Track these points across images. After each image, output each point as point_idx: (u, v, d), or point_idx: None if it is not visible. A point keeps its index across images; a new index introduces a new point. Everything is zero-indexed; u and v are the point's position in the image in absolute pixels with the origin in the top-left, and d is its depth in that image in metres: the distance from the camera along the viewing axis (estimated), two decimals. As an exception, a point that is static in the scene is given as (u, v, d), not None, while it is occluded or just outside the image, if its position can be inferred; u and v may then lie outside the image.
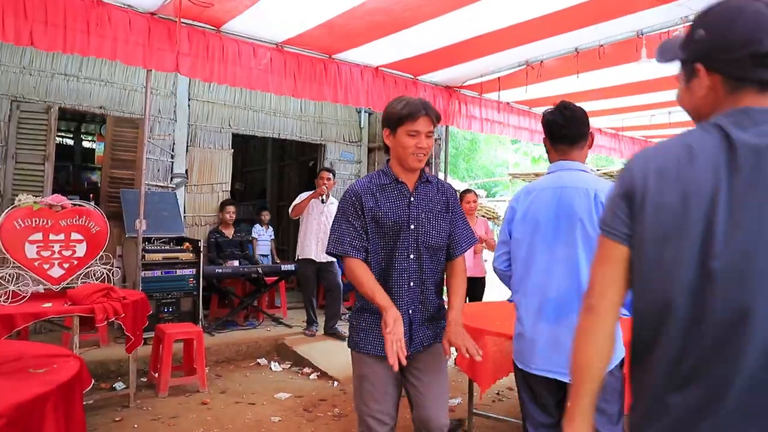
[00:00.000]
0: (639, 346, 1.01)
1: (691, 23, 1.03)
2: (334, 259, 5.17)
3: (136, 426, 3.31)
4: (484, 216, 10.16)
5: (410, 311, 1.96)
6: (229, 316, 5.55)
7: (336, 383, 4.23)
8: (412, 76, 5.12)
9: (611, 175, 10.23)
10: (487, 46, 4.26)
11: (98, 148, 9.16)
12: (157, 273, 4.80)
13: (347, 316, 5.94)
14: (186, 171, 6.07)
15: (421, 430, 1.98)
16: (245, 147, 9.51)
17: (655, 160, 0.97)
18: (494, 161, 22.70)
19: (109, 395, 3.71)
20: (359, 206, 1.93)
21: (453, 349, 1.92)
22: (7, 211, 3.33)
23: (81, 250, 3.51)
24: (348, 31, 3.97)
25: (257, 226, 6.82)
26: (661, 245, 0.93)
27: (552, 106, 2.02)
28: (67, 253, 3.46)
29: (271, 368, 4.68)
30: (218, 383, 4.20)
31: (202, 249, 5.07)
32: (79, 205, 3.60)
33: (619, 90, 5.11)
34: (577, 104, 2.02)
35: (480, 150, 21.88)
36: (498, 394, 4.12)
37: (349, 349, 2.05)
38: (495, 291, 5.43)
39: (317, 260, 5.16)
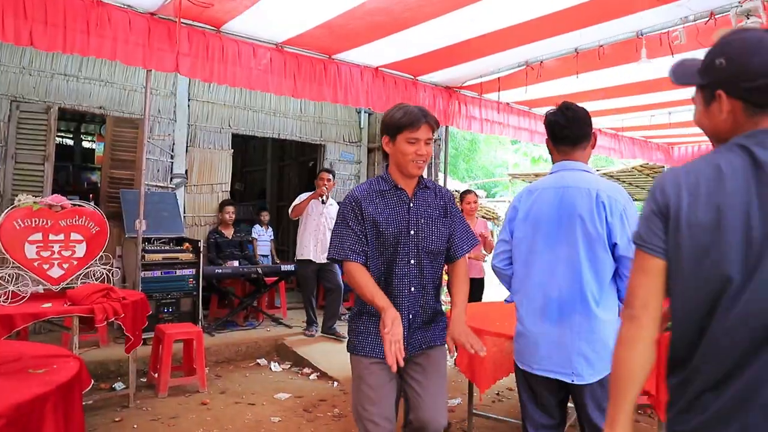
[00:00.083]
0: (678, 350, 1.08)
1: (709, 51, 1.11)
2: (334, 260, 5.19)
3: (135, 426, 3.31)
4: (483, 217, 10.17)
5: (410, 315, 1.97)
6: (228, 317, 5.55)
7: (336, 383, 4.23)
8: (412, 77, 5.12)
9: (611, 176, 10.24)
10: (486, 46, 4.26)
11: (98, 148, 9.16)
12: (157, 273, 4.80)
13: (347, 316, 5.94)
14: (186, 171, 6.07)
15: (418, 428, 1.99)
16: (245, 147, 9.51)
17: (687, 179, 1.06)
18: (494, 162, 22.72)
19: (108, 395, 3.71)
20: (359, 212, 1.95)
21: (454, 349, 1.92)
22: (6, 211, 3.33)
23: (81, 250, 3.51)
24: (348, 31, 3.97)
25: (257, 226, 6.82)
26: (701, 256, 1.02)
27: (554, 107, 2.02)
28: (66, 254, 3.46)
29: (270, 368, 4.68)
30: (218, 383, 4.20)
31: (201, 249, 5.07)
32: (79, 206, 3.60)
33: (618, 90, 5.11)
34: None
35: (480, 150, 21.90)
36: (498, 394, 4.12)
37: (349, 354, 2.07)
38: (494, 291, 5.43)
39: (316, 261, 5.16)
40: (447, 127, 5.72)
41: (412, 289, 1.96)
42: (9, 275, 3.18)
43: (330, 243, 2.01)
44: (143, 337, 3.54)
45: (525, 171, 17.02)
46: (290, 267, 5.76)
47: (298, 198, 5.33)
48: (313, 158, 7.72)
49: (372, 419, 1.92)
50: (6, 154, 5.02)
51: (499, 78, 5.06)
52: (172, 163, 5.97)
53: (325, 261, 5.12)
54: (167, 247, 5.13)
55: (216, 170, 6.31)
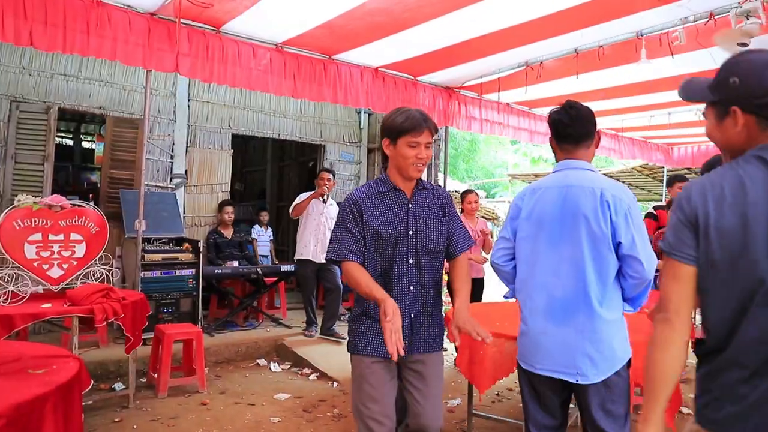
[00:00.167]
0: (711, 347, 1.16)
1: (720, 70, 1.21)
2: (334, 259, 5.19)
3: (135, 427, 3.30)
4: (483, 217, 10.16)
5: (412, 315, 2.00)
6: (228, 317, 5.55)
7: (336, 384, 4.23)
8: (411, 77, 5.12)
9: (611, 176, 10.24)
10: (486, 46, 4.26)
11: (98, 148, 9.16)
12: (157, 273, 4.80)
13: (347, 317, 5.94)
14: (185, 171, 6.06)
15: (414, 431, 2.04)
16: (245, 147, 9.51)
17: (713, 190, 1.15)
18: (494, 162, 22.72)
19: (108, 396, 3.71)
20: (358, 213, 1.99)
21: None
22: (6, 211, 3.33)
23: (80, 250, 3.51)
24: (348, 31, 3.97)
25: (256, 226, 6.82)
26: (733, 261, 1.11)
27: (558, 106, 2.01)
28: (66, 254, 3.45)
29: (270, 369, 4.68)
30: (218, 384, 4.20)
31: (201, 249, 5.07)
32: (79, 206, 3.59)
33: (618, 91, 5.12)
34: None
35: (479, 151, 21.91)
36: (498, 395, 4.12)
37: (349, 354, 2.09)
38: (494, 291, 5.43)
39: (316, 261, 5.16)
40: (447, 127, 5.73)
41: (411, 288, 1.99)
42: (9, 275, 3.18)
43: (329, 244, 2.05)
44: (143, 337, 3.54)
45: (525, 171, 17.02)
46: (290, 267, 5.76)
47: (298, 197, 5.33)
48: (313, 158, 7.72)
49: (374, 417, 1.94)
50: (6, 154, 5.02)
51: (499, 78, 5.06)
52: (172, 163, 5.97)
53: (324, 261, 5.12)
54: (167, 248, 5.13)
55: (216, 170, 6.31)
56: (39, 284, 3.35)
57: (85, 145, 10.09)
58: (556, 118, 1.99)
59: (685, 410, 3.84)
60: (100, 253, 3.57)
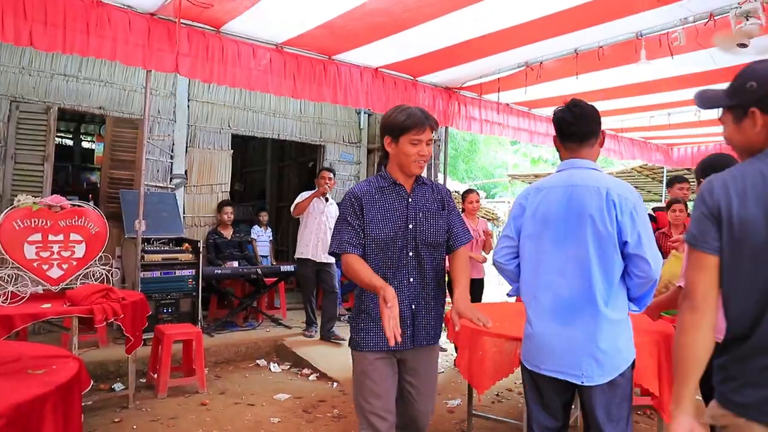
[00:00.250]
0: (736, 330, 1.24)
1: (737, 77, 1.32)
2: (333, 261, 5.21)
3: (135, 427, 3.30)
4: (483, 217, 10.16)
5: (413, 306, 2.03)
6: (228, 317, 5.55)
7: (335, 384, 4.23)
8: (411, 77, 5.12)
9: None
10: (486, 47, 4.26)
11: (97, 148, 9.16)
12: (157, 274, 4.80)
13: (346, 317, 5.94)
14: (185, 172, 6.06)
15: (408, 425, 2.12)
16: (245, 148, 9.50)
17: (734, 185, 1.23)
18: (493, 162, 22.72)
19: (108, 396, 3.71)
20: (358, 207, 2.02)
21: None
22: (6, 211, 3.32)
23: (80, 250, 3.51)
24: (348, 32, 3.97)
25: (256, 227, 6.82)
26: (757, 251, 1.18)
27: (561, 106, 1.99)
28: (66, 254, 3.45)
29: (270, 369, 4.68)
30: (217, 384, 4.20)
31: (201, 250, 5.07)
32: (78, 206, 3.59)
33: (618, 91, 5.12)
34: None
35: (479, 151, 21.90)
36: (497, 395, 4.12)
37: (350, 350, 2.11)
38: (493, 292, 5.44)
39: (316, 260, 5.16)
40: (446, 127, 5.73)
41: (411, 280, 2.03)
42: (8, 276, 3.17)
43: (331, 239, 2.08)
44: (143, 337, 3.53)
45: (524, 172, 17.02)
46: (290, 267, 5.76)
47: (299, 196, 5.32)
48: (313, 159, 7.72)
49: (376, 413, 1.97)
50: (5, 155, 5.02)
51: (498, 79, 5.06)
52: (172, 163, 5.97)
53: (324, 260, 5.13)
54: (167, 248, 5.13)
55: (216, 171, 6.31)
56: (39, 284, 3.35)
57: (85, 145, 10.09)
58: (560, 117, 1.98)
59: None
60: (100, 254, 3.57)
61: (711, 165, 2.50)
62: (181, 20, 3.63)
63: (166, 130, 5.94)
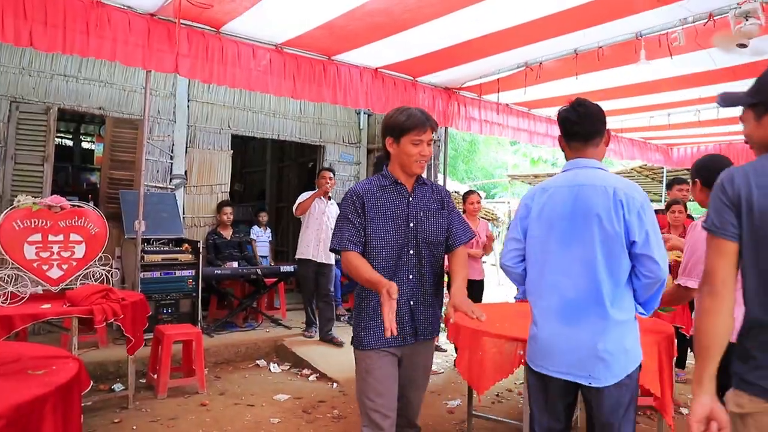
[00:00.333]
0: (755, 321, 1.29)
1: (761, 76, 1.39)
2: (332, 262, 5.20)
3: (134, 428, 3.30)
4: (483, 217, 10.16)
5: (411, 302, 2.08)
6: (228, 318, 5.55)
7: (335, 385, 4.22)
8: (411, 78, 5.12)
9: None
10: (486, 47, 4.26)
11: (97, 149, 9.16)
12: (156, 274, 4.80)
13: (346, 318, 5.94)
14: (185, 172, 6.06)
15: (402, 414, 2.16)
16: (244, 148, 9.50)
17: (755, 176, 1.30)
18: (493, 163, 22.71)
19: (107, 397, 3.71)
20: (360, 206, 2.06)
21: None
22: (6, 212, 3.32)
23: (80, 251, 3.51)
24: (347, 32, 3.97)
25: (255, 227, 6.82)
26: None
27: (566, 105, 1.99)
28: (66, 254, 3.45)
29: (270, 370, 4.68)
30: (217, 384, 4.20)
31: (201, 250, 5.07)
32: (78, 206, 3.59)
33: (618, 91, 5.12)
34: None
35: (479, 151, 21.89)
36: (497, 395, 4.12)
37: (353, 349, 2.14)
38: (494, 293, 5.43)
39: (317, 260, 5.15)
40: (446, 128, 5.73)
41: (411, 277, 2.07)
42: (8, 276, 3.17)
43: (332, 236, 2.13)
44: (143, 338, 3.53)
45: (524, 172, 17.04)
46: (290, 268, 5.76)
47: (301, 196, 5.31)
48: (313, 159, 7.72)
49: (379, 410, 2.01)
50: (5, 155, 5.02)
51: (498, 79, 5.06)
52: (172, 163, 5.97)
53: (324, 261, 5.13)
54: (166, 248, 5.13)
55: (215, 171, 6.31)
56: (38, 285, 3.35)
57: (85, 145, 10.09)
58: (564, 116, 1.97)
59: (684, 411, 3.84)
60: (100, 254, 3.57)
61: (705, 166, 2.50)
62: (181, 21, 3.63)
63: (166, 131, 5.94)
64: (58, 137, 8.62)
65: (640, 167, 9.75)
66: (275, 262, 6.87)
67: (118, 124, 5.64)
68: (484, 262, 5.10)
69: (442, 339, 5.23)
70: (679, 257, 2.88)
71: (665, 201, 5.10)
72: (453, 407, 3.83)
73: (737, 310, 1.32)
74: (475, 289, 4.92)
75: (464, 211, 5.13)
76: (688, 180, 2.76)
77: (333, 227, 2.20)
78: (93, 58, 3.52)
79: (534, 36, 4.01)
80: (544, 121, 6.42)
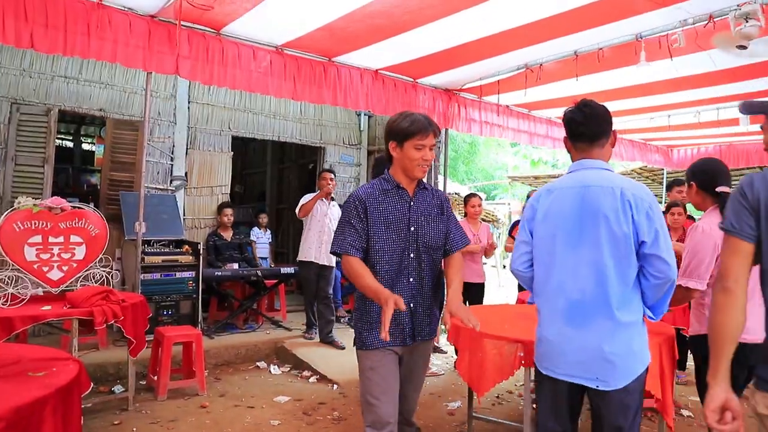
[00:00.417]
0: None
1: None
2: (333, 264, 5.20)
3: (134, 429, 3.30)
4: (483, 219, 10.16)
5: (411, 305, 2.12)
6: (228, 319, 5.54)
7: (335, 387, 4.22)
8: (411, 79, 5.12)
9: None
10: (486, 49, 4.27)
11: (98, 150, 9.17)
12: (157, 276, 4.80)
13: (346, 319, 5.94)
14: (185, 173, 6.07)
15: (399, 412, 2.19)
16: (245, 149, 9.51)
17: None
18: (493, 164, 22.70)
19: (107, 398, 3.70)
20: (362, 210, 2.10)
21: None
22: (6, 213, 3.32)
23: (80, 252, 3.51)
24: (348, 34, 3.97)
25: (255, 228, 6.82)
26: None
27: (571, 106, 1.98)
28: (66, 256, 3.45)
29: (270, 371, 4.68)
30: (217, 386, 4.19)
31: (201, 252, 5.07)
32: (79, 208, 3.59)
33: (618, 93, 5.12)
34: None
35: (479, 153, 21.89)
36: (498, 397, 4.12)
37: (356, 349, 2.18)
38: (492, 294, 5.43)
39: (318, 262, 5.15)
40: (447, 129, 5.73)
41: (411, 280, 2.12)
42: (8, 277, 3.17)
43: (333, 238, 2.15)
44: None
45: (524, 173, 17.03)
46: (290, 269, 5.75)
47: (303, 198, 5.31)
48: (313, 161, 7.72)
49: (383, 408, 2.05)
50: (6, 156, 5.02)
51: (498, 81, 5.07)
52: (172, 165, 5.97)
53: (326, 263, 5.13)
54: (167, 250, 5.13)
55: (216, 172, 6.31)
56: (39, 286, 3.35)
57: (86, 147, 10.09)
58: (570, 117, 1.96)
59: (685, 412, 3.83)
60: (100, 256, 3.57)
61: (701, 169, 2.54)
62: (182, 22, 3.64)
63: (167, 132, 5.94)
64: (58, 139, 8.63)
65: (641, 169, 9.74)
66: (275, 263, 6.87)
67: (118, 125, 5.64)
68: (485, 263, 5.08)
69: (443, 341, 5.23)
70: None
71: (665, 203, 5.09)
72: (453, 409, 3.83)
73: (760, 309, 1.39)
74: (476, 292, 4.92)
75: (465, 214, 5.13)
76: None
77: (335, 229, 2.22)
78: (94, 59, 3.53)
79: (534, 37, 4.01)
80: (544, 122, 6.42)
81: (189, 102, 6.09)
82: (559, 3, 3.39)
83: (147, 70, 3.76)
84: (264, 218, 6.95)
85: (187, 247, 5.17)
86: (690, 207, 3.93)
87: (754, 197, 1.35)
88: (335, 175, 5.42)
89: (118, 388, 3.94)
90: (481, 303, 5.00)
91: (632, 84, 4.87)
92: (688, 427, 3.62)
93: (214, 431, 3.32)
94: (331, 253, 2.18)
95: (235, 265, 5.66)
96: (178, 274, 4.93)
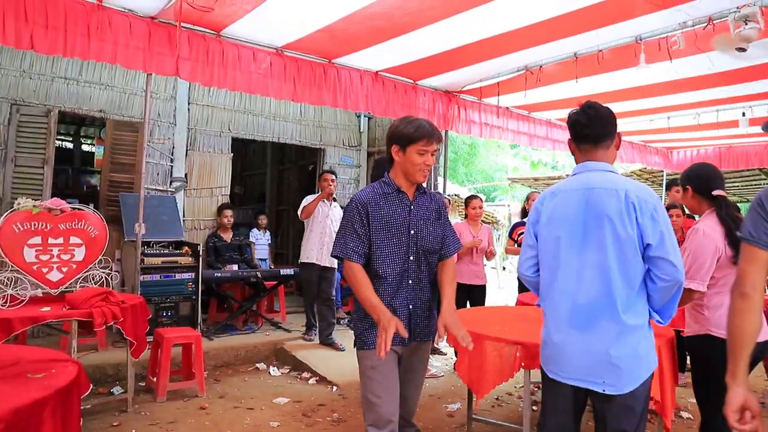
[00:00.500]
0: None
1: None
2: (335, 266, 5.19)
3: (134, 431, 3.29)
4: (483, 221, 10.16)
5: (410, 306, 2.17)
6: (227, 321, 5.54)
7: (335, 388, 4.22)
8: (411, 81, 5.13)
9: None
10: (486, 51, 4.27)
11: (98, 151, 9.16)
12: (156, 277, 4.80)
13: (346, 321, 5.93)
14: (185, 175, 6.07)
15: (400, 413, 2.21)
16: (245, 151, 9.51)
17: None
18: (493, 166, 22.72)
19: (107, 400, 3.70)
20: (365, 214, 2.13)
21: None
22: (6, 214, 3.32)
23: (80, 254, 3.51)
24: (348, 35, 3.98)
25: (254, 230, 6.82)
26: None
27: (576, 108, 1.97)
28: (65, 257, 3.45)
29: (269, 373, 4.67)
30: (217, 388, 4.19)
31: (201, 253, 5.07)
32: (78, 209, 3.59)
33: (618, 95, 5.13)
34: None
35: (479, 154, 21.91)
36: (497, 399, 4.11)
37: (356, 350, 2.21)
38: (493, 297, 5.42)
39: (320, 264, 5.15)
40: (446, 131, 5.73)
41: (410, 282, 2.17)
42: (8, 279, 3.17)
43: (335, 241, 2.19)
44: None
45: (524, 175, 17.03)
46: (290, 271, 5.75)
47: (305, 200, 5.30)
48: (313, 162, 7.72)
49: (385, 406, 2.08)
50: (6, 158, 5.03)
51: (498, 82, 5.07)
52: (172, 166, 5.97)
53: (327, 264, 5.12)
54: (166, 251, 5.12)
55: (216, 174, 6.31)
56: (38, 288, 3.34)
57: (85, 148, 10.08)
58: (574, 119, 1.95)
59: (684, 414, 3.83)
60: (100, 257, 3.57)
61: (697, 174, 2.58)
62: (182, 24, 3.64)
63: (167, 134, 5.94)
64: (58, 140, 8.63)
65: (640, 170, 9.75)
66: (275, 265, 6.87)
67: (118, 126, 5.65)
68: (485, 265, 5.08)
69: (442, 343, 5.22)
70: None
71: (665, 204, 5.10)
72: (453, 411, 3.82)
73: None
74: (479, 294, 4.93)
75: (466, 216, 5.13)
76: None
77: (336, 231, 2.25)
78: (94, 61, 3.53)
79: (534, 39, 4.02)
80: (544, 124, 6.43)
81: (189, 103, 6.09)
82: (559, 5, 3.40)
83: (147, 71, 3.76)
84: (263, 219, 6.95)
85: (186, 248, 5.17)
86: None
87: None
88: (336, 176, 5.42)
89: (117, 390, 3.94)
90: (484, 304, 4.99)
91: (632, 86, 4.87)
92: (687, 429, 3.62)
93: (213, 433, 3.32)
94: (332, 256, 2.21)
95: (235, 267, 5.65)
96: (178, 276, 4.93)
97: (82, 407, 1.98)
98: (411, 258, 2.16)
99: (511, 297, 7.85)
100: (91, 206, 3.83)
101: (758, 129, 6.19)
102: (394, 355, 2.13)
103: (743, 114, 5.49)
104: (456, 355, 3.85)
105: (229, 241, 5.93)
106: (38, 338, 4.75)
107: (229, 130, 6.41)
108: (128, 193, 5.45)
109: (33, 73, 5.19)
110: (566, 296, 1.86)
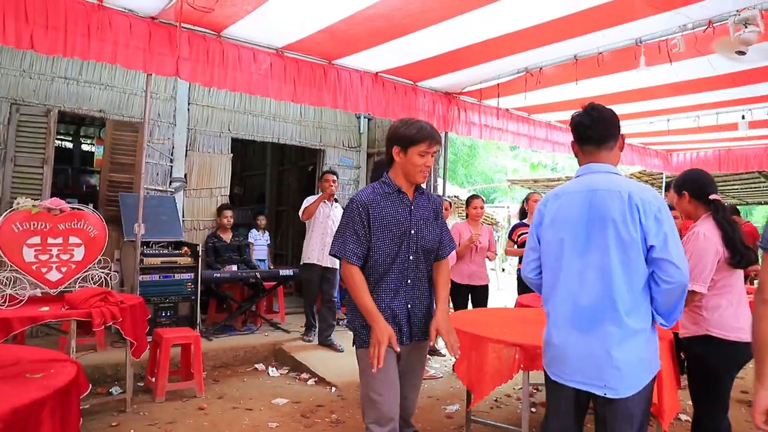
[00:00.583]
0: None
1: None
2: (336, 267, 5.20)
3: (132, 431, 3.29)
4: (483, 221, 10.15)
5: (409, 306, 2.19)
6: (227, 321, 5.53)
7: (334, 389, 4.21)
8: (411, 82, 5.13)
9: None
10: (486, 52, 4.27)
11: (97, 151, 9.15)
12: (155, 277, 4.79)
13: (344, 322, 5.92)
14: (185, 175, 6.07)
15: (399, 413, 2.24)
16: (244, 151, 9.51)
17: None
18: (493, 167, 22.74)
19: (105, 400, 3.69)
20: (365, 215, 2.14)
21: (435, 338, 2.02)
22: (5, 214, 3.32)
23: (79, 253, 3.51)
24: (348, 36, 3.98)
25: (254, 230, 6.82)
26: None
27: (579, 110, 1.97)
28: (65, 257, 3.45)
29: (268, 373, 4.67)
30: (215, 388, 4.19)
31: (200, 253, 5.06)
32: (78, 209, 3.59)
33: (617, 97, 5.13)
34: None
35: (479, 156, 21.93)
36: (496, 400, 4.11)
37: (355, 349, 2.22)
38: (493, 297, 5.42)
39: (321, 264, 5.14)
40: (446, 132, 5.74)
41: (409, 281, 2.19)
42: (7, 278, 3.17)
43: (333, 239, 2.20)
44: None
45: (524, 177, 17.05)
46: (289, 272, 5.75)
47: (306, 200, 5.30)
48: (313, 163, 7.72)
49: (386, 404, 2.10)
50: (5, 157, 5.02)
51: (498, 84, 5.07)
52: (172, 166, 5.97)
53: (329, 265, 5.12)
54: (166, 251, 5.12)
55: (215, 174, 6.31)
56: (37, 287, 3.34)
57: (85, 148, 10.08)
58: (577, 121, 1.94)
59: (683, 416, 3.83)
60: (99, 257, 3.57)
61: (693, 179, 2.64)
62: (182, 24, 3.64)
63: (166, 134, 5.94)
64: (58, 140, 8.62)
65: (640, 173, 9.76)
66: (274, 265, 6.87)
67: (118, 126, 5.64)
68: (477, 239, 5.04)
69: (441, 343, 5.22)
70: None
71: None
72: (452, 412, 3.82)
73: None
74: (481, 294, 4.93)
75: (467, 216, 5.14)
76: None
77: None
78: (94, 61, 3.53)
79: (534, 41, 4.02)
80: (543, 126, 6.43)
81: (189, 104, 6.09)
82: (559, 7, 3.40)
83: (147, 71, 3.76)
84: (262, 220, 6.94)
85: (186, 248, 5.17)
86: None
87: None
88: (337, 177, 5.42)
89: (116, 390, 3.93)
90: (486, 305, 4.99)
91: (632, 88, 4.88)
92: (751, 417, 3.60)
93: (212, 433, 3.31)
94: (330, 255, 2.22)
95: (234, 267, 5.65)
96: (177, 276, 4.92)
97: (80, 407, 1.98)
98: (411, 258, 2.18)
99: (510, 298, 7.85)
100: (91, 206, 3.83)
101: (758, 132, 6.21)
102: (393, 354, 2.13)
103: (743, 117, 5.50)
104: (455, 357, 3.85)
105: (228, 241, 5.93)
106: (37, 338, 4.75)
107: (229, 130, 6.41)
108: (128, 193, 5.45)
109: (33, 73, 5.19)
110: (568, 298, 1.86)
